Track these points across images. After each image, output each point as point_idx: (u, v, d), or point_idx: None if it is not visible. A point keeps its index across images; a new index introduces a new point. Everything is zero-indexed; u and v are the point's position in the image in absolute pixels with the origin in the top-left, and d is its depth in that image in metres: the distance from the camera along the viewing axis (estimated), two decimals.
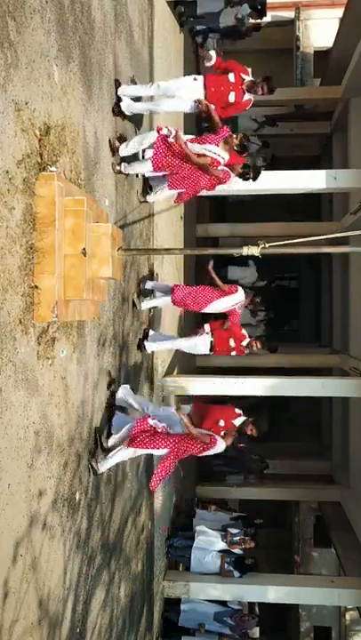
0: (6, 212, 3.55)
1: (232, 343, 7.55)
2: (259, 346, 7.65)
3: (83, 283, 4.31)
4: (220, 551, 9.41)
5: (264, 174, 10.20)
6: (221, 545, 9.47)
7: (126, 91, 6.12)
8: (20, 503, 3.86)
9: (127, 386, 6.16)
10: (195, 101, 6.18)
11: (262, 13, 10.92)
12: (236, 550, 9.42)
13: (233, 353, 7.70)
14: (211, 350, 7.62)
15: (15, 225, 3.66)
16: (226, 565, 9.29)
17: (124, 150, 6.04)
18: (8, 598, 3.77)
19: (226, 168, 6.10)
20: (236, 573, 9.30)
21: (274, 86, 6.42)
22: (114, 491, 6.18)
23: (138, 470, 7.37)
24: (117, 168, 6.05)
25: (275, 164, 13.39)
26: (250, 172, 6.34)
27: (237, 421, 6.29)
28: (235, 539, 9.50)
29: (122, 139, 6.22)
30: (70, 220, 4.26)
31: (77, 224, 4.30)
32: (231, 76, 6.27)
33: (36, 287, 3.93)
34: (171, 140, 5.87)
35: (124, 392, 6.04)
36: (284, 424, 16.93)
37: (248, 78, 6.36)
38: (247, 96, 6.40)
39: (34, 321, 3.94)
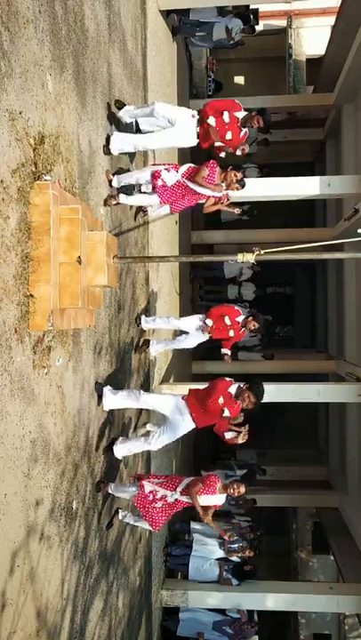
0: (1, 221, 3.55)
1: (227, 321, 7.48)
2: (255, 325, 7.55)
3: (78, 291, 4.30)
4: (218, 559, 9.38)
5: (259, 181, 10.27)
6: (220, 553, 9.44)
7: (123, 118, 6.16)
8: (16, 513, 3.83)
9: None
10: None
11: (254, 29, 11.00)
12: (234, 558, 9.39)
13: (231, 333, 7.53)
14: (208, 331, 7.53)
15: (10, 234, 3.66)
16: (224, 573, 9.25)
17: (117, 182, 6.09)
18: (6, 609, 3.74)
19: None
20: (235, 581, 9.26)
21: (269, 119, 6.46)
22: (111, 499, 6.16)
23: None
24: (114, 202, 6.01)
25: (269, 169, 13.46)
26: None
27: (232, 389, 6.21)
28: (233, 546, 9.47)
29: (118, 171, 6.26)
30: (65, 229, 4.26)
31: (72, 232, 4.29)
32: (226, 117, 6.23)
33: (32, 296, 3.92)
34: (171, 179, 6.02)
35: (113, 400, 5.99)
36: (280, 430, 16.92)
37: (242, 115, 6.37)
38: (243, 131, 6.48)
39: (29, 330, 3.93)
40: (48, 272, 3.98)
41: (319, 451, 17.06)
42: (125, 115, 6.19)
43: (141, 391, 6.16)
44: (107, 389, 5.75)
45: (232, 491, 5.85)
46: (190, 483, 5.82)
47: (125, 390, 6.06)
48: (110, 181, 6.02)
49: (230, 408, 5.94)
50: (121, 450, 6.07)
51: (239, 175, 6.29)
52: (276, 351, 14.05)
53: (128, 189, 6.26)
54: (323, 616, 16.28)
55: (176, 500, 5.79)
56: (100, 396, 5.67)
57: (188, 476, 6.02)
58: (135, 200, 6.28)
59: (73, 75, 4.90)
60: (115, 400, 5.81)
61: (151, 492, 5.80)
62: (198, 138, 6.24)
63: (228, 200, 6.40)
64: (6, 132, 3.61)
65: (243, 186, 6.34)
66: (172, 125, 6.16)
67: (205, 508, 5.78)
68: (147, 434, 6.43)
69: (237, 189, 6.32)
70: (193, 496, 5.71)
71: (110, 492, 5.90)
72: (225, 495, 5.90)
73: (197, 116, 6.20)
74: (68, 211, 4.30)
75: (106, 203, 5.91)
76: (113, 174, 6.07)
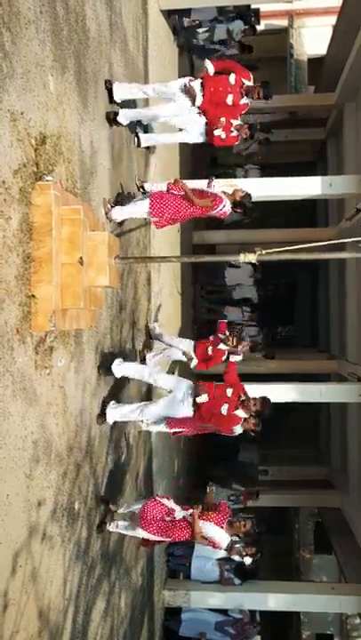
0: (3, 221, 3.55)
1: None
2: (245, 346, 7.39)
3: (80, 291, 4.31)
4: (220, 559, 9.37)
5: (260, 181, 10.26)
6: (221, 553, 9.40)
7: (120, 95, 6.12)
8: (18, 514, 3.84)
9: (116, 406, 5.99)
10: (183, 85, 6.18)
11: (255, 30, 10.99)
12: (236, 557, 9.36)
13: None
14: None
15: (12, 234, 3.66)
16: (226, 573, 9.24)
17: (118, 214, 5.97)
18: (8, 609, 3.74)
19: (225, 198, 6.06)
20: (237, 581, 9.24)
21: (270, 93, 6.37)
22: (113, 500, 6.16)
23: (137, 479, 7.35)
24: (110, 214, 5.92)
25: (270, 169, 13.46)
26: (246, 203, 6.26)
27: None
28: (235, 546, 9.45)
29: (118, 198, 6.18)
30: (67, 229, 4.26)
31: (74, 233, 4.30)
32: (232, 78, 6.17)
33: (33, 296, 3.93)
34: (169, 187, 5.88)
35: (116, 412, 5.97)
36: (282, 431, 16.91)
37: (248, 83, 6.28)
38: (245, 100, 6.32)
39: (31, 330, 3.93)
40: (50, 272, 3.99)
41: (320, 451, 17.05)
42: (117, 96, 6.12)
43: (151, 367, 6.19)
44: (116, 361, 5.80)
45: (238, 526, 5.85)
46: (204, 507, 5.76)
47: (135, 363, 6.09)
48: (106, 213, 5.86)
49: (231, 404, 5.94)
50: (113, 414, 5.82)
51: (243, 193, 6.10)
52: (278, 351, 14.03)
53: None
54: (325, 616, 16.26)
55: (183, 518, 5.67)
56: (108, 368, 5.74)
57: (191, 487, 5.95)
58: (129, 212, 6.11)
59: (74, 75, 4.90)
60: (122, 368, 5.86)
61: (163, 505, 5.78)
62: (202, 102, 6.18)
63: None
64: (8, 133, 3.61)
65: (245, 204, 6.16)
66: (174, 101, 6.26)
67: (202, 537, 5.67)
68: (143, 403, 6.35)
69: (236, 211, 6.22)
70: (195, 521, 5.54)
71: (121, 510, 5.88)
72: (229, 538, 5.83)
73: (197, 80, 6.16)
74: (70, 211, 4.30)
75: (107, 215, 5.90)
76: (113, 205, 5.97)
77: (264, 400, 5.93)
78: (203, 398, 5.84)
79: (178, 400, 5.96)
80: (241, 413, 5.86)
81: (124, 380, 6.59)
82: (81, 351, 5.07)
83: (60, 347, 4.54)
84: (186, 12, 10.07)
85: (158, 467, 8.55)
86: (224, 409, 5.83)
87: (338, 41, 11.12)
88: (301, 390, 9.56)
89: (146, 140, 7.05)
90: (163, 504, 5.75)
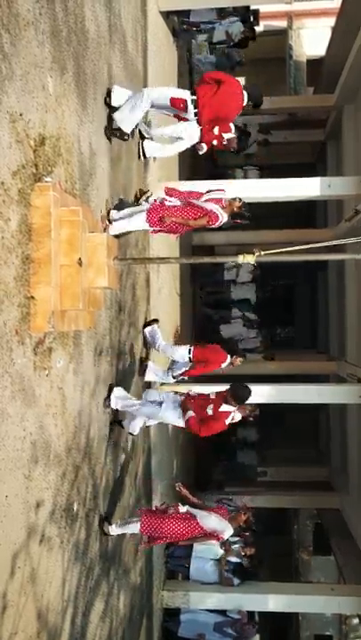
0: (2, 222, 3.55)
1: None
2: (238, 362, 7.36)
3: (79, 292, 4.31)
4: (219, 559, 9.38)
5: (259, 182, 10.26)
6: (220, 553, 9.43)
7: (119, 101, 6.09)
8: (17, 515, 3.84)
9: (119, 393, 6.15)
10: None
11: (254, 32, 11.02)
12: (234, 559, 9.37)
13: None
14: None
15: (11, 236, 3.66)
16: (225, 573, 9.25)
17: (117, 218, 5.99)
18: (7, 611, 3.74)
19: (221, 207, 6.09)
20: (236, 580, 9.25)
21: (257, 96, 6.25)
22: (112, 505, 6.16)
23: (136, 479, 7.35)
24: (109, 231, 5.88)
25: (270, 170, 13.48)
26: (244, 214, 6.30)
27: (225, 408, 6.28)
28: (233, 547, 9.46)
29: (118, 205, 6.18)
30: (66, 231, 4.26)
31: (73, 234, 4.30)
32: (216, 130, 6.26)
33: (32, 297, 3.93)
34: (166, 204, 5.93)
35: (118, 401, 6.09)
36: (281, 431, 16.92)
37: (228, 136, 6.42)
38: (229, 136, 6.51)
39: (30, 331, 3.93)
40: (49, 274, 3.99)
41: (320, 451, 17.05)
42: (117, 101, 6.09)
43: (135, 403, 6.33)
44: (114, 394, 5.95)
45: (239, 515, 6.15)
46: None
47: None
48: (105, 229, 5.84)
49: (215, 403, 6.18)
50: (133, 426, 6.32)
51: (240, 203, 6.12)
52: (277, 352, 14.05)
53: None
54: (324, 616, 16.27)
55: (187, 512, 5.92)
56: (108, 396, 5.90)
57: (190, 488, 6.16)
58: (126, 227, 6.09)
59: (73, 76, 4.90)
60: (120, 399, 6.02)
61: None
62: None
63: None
64: (7, 134, 3.61)
65: (243, 214, 6.20)
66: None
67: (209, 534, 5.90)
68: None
69: (235, 222, 6.29)
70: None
71: (113, 533, 5.96)
72: (232, 528, 6.04)
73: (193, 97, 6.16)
74: (69, 212, 4.30)
75: (103, 221, 5.88)
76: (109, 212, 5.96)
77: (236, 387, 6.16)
78: (189, 414, 6.11)
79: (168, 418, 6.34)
80: (227, 407, 6.02)
81: (124, 380, 6.59)
82: (80, 352, 5.08)
83: (59, 348, 4.54)
84: (185, 14, 10.09)
85: (157, 466, 8.55)
86: (209, 409, 6.06)
87: (337, 42, 11.14)
88: (299, 391, 9.57)
89: (150, 151, 7.02)
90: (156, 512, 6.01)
